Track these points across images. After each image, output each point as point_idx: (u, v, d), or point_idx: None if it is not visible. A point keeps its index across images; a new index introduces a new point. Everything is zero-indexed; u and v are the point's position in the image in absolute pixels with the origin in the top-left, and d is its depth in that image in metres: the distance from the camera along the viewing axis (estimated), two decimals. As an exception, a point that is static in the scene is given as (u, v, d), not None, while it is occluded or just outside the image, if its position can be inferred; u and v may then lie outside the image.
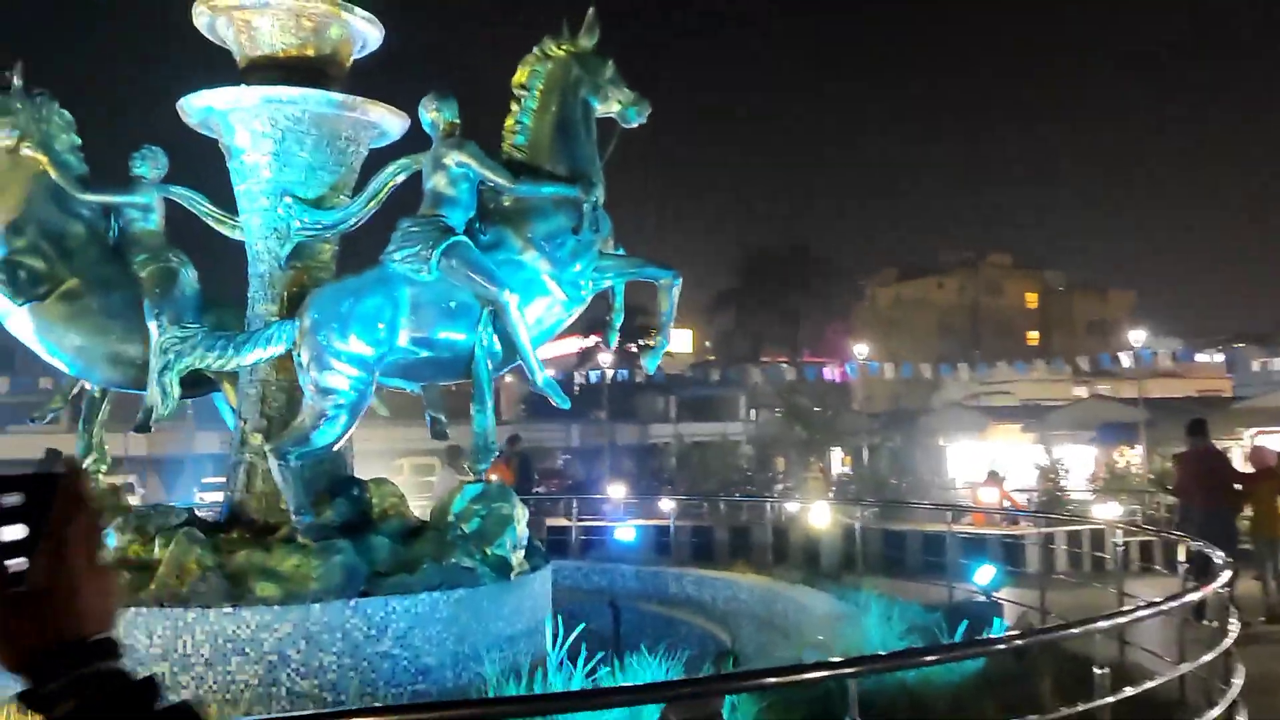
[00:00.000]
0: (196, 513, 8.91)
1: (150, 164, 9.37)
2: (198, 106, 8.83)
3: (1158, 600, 6.27)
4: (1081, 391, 43.23)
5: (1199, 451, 12.43)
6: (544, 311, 8.33)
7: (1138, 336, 31.23)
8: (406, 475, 31.43)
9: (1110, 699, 5.10)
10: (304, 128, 8.69)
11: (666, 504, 17.79)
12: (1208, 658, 6.00)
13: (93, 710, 1.11)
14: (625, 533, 15.75)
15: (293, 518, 7.81)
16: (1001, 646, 5.41)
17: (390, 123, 9.09)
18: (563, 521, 18.18)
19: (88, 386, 9.75)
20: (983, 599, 9.95)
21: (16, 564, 1.11)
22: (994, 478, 20.79)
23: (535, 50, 8.51)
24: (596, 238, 8.35)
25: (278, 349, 8.09)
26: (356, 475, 8.94)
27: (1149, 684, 5.72)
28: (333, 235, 8.96)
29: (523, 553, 8.24)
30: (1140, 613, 5.76)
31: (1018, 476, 24.56)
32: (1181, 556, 10.33)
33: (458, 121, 8.41)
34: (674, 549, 15.50)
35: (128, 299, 9.06)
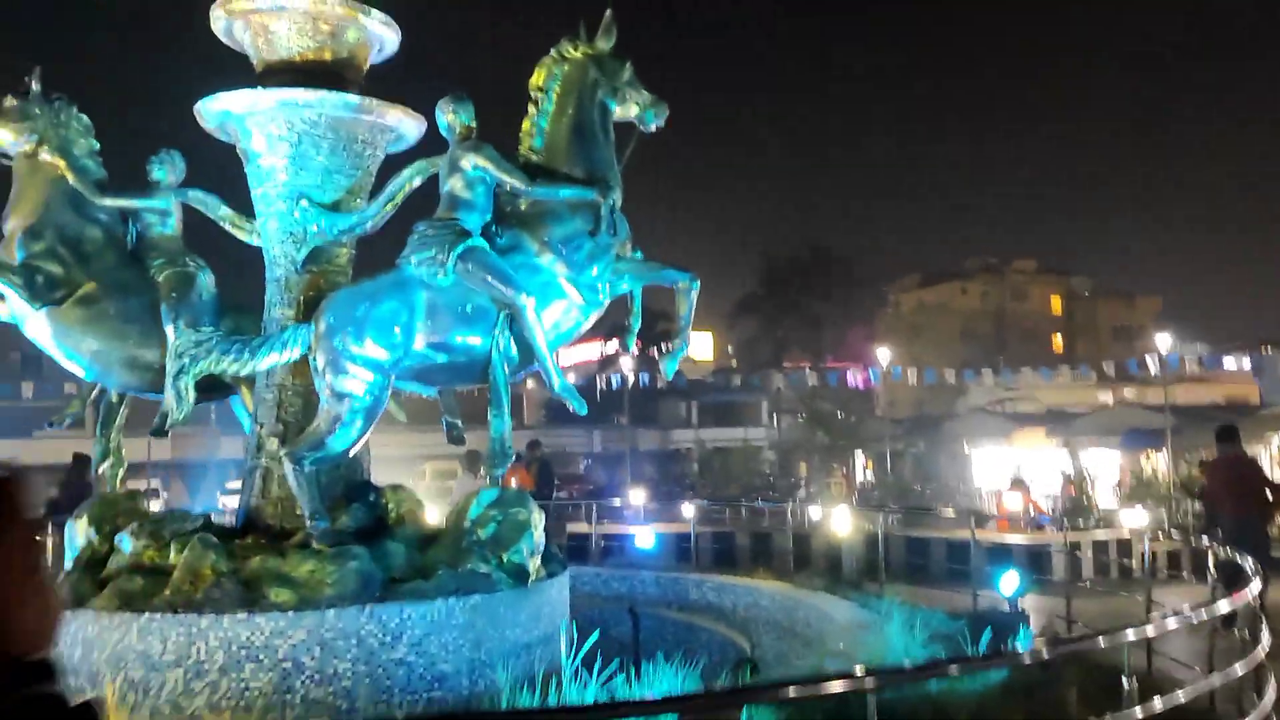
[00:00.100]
0: (213, 518, 8.86)
1: (168, 168, 9.36)
2: (214, 110, 8.81)
3: (1187, 610, 6.12)
4: (1107, 397, 42.88)
5: (1229, 458, 12.22)
6: (561, 315, 8.25)
7: (1164, 341, 30.89)
8: (429, 480, 31.47)
9: (1138, 710, 4.97)
10: (320, 131, 8.66)
11: (687, 510, 17.69)
12: (1239, 669, 5.85)
13: None
14: (645, 539, 15.67)
15: (308, 523, 7.76)
16: (1026, 659, 5.27)
17: (407, 126, 9.06)
18: (583, 527, 18.12)
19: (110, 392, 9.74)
20: (1008, 607, 9.79)
21: None
22: (1019, 484, 20.61)
23: (552, 52, 8.45)
24: (614, 241, 8.26)
25: (293, 353, 8.04)
26: (373, 480, 8.90)
27: (1178, 695, 5.58)
28: (349, 239, 8.92)
29: (540, 559, 8.15)
30: (1169, 622, 5.61)
31: (1043, 483, 24.34)
32: (1210, 564, 10.15)
33: (474, 125, 8.35)
34: (695, 555, 15.40)
35: (145, 303, 9.05)
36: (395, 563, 7.75)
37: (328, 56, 8.95)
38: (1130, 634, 5.25)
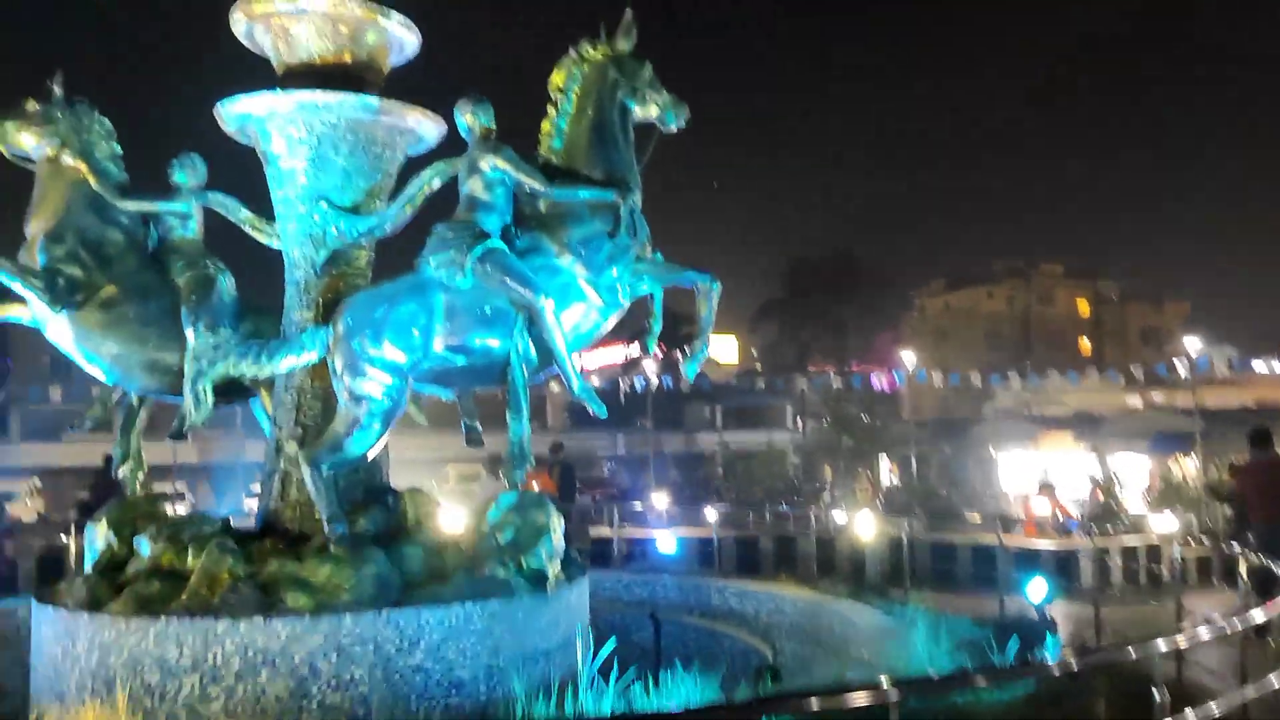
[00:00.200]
0: (233, 521, 8.83)
1: (189, 171, 9.36)
2: (235, 113, 8.80)
3: (1219, 619, 5.98)
4: (1135, 401, 42.45)
5: (1262, 463, 11.99)
6: (580, 317, 8.18)
7: (1193, 344, 30.55)
8: (452, 483, 31.50)
9: (1169, 722, 4.84)
10: (340, 133, 8.63)
11: (710, 513, 17.60)
12: (1275, 681, 5.69)
13: None
14: (667, 543, 15.58)
15: (325, 527, 7.71)
16: (1055, 670, 5.14)
17: (427, 128, 9.01)
18: (606, 531, 18.06)
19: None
20: (1035, 615, 9.64)
21: None
22: (1046, 488, 20.39)
23: (572, 53, 8.39)
24: (633, 242, 8.19)
25: (311, 356, 8.00)
26: (393, 484, 8.86)
27: (1211, 707, 5.44)
28: (369, 241, 8.89)
29: (559, 564, 8.07)
30: (1201, 632, 5.47)
31: (1070, 487, 24.09)
32: (1242, 571, 9.96)
33: (493, 126, 8.29)
34: (718, 559, 15.31)
35: (165, 306, 9.05)
36: (413, 567, 7.68)
37: (347, 59, 8.93)
38: (1161, 644, 5.12)
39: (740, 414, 52.05)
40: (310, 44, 8.87)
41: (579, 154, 8.25)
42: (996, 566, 12.50)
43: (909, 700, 4.52)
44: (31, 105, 9.17)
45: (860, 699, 4.29)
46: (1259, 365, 40.89)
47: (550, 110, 8.40)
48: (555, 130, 8.35)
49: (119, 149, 9.51)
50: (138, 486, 9.52)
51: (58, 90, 9.21)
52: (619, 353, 50.82)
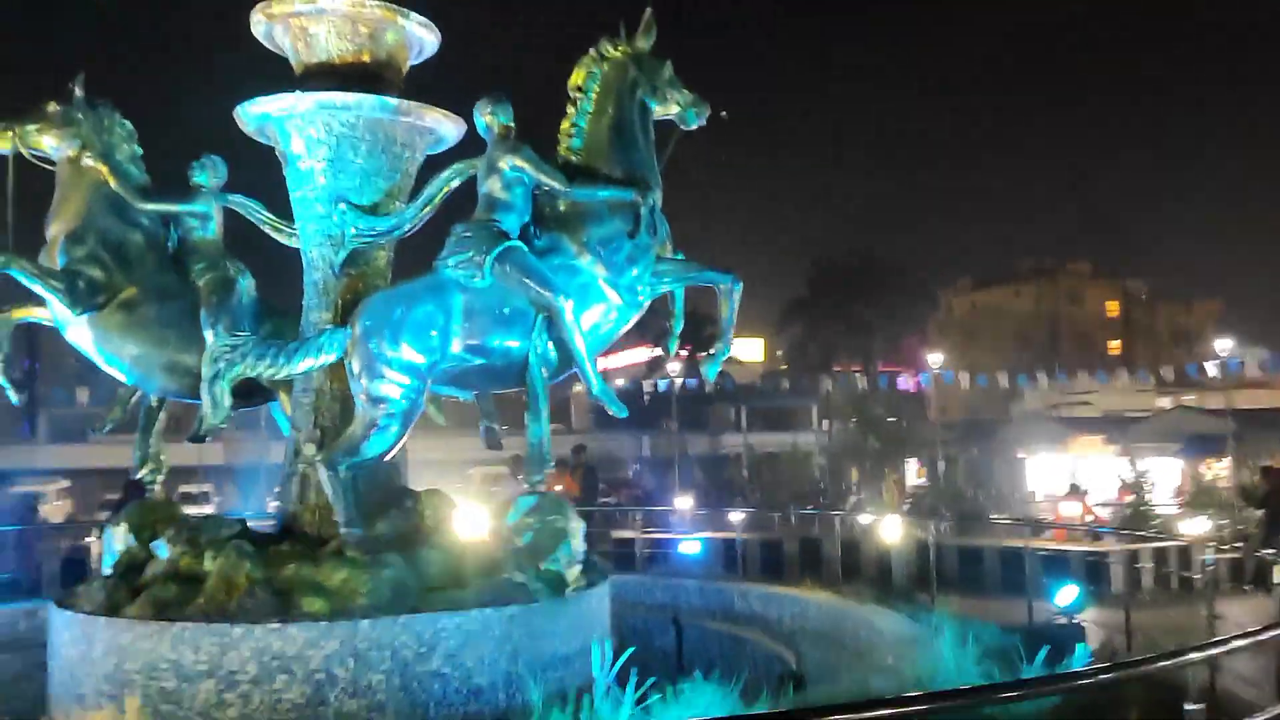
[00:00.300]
0: (251, 524, 8.79)
1: (209, 173, 9.32)
2: (254, 114, 8.77)
3: (1255, 629, 5.81)
4: (1166, 402, 42.03)
5: (1295, 465, 11.77)
6: (600, 317, 8.08)
7: (1224, 345, 30.15)
8: (478, 485, 31.50)
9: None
10: (359, 133, 8.58)
11: (735, 516, 17.45)
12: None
13: None
14: (690, 546, 15.45)
15: (342, 530, 7.64)
16: (1086, 681, 5.00)
17: (446, 128, 8.95)
18: (629, 533, 17.95)
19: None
20: (1064, 621, 9.46)
21: None
22: (1076, 491, 20.12)
23: (591, 51, 8.29)
24: (653, 242, 8.08)
25: (329, 357, 7.93)
26: (412, 486, 8.78)
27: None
28: (388, 242, 8.82)
29: (579, 568, 7.96)
30: (1235, 643, 5.31)
31: (1101, 490, 23.80)
32: (1276, 576, 9.76)
33: (513, 124, 8.21)
34: (741, 563, 15.16)
35: (185, 308, 9.01)
36: (431, 571, 7.60)
37: (367, 59, 8.88)
38: (1195, 655, 4.96)
39: (766, 415, 51.90)
40: (329, 44, 8.83)
41: (599, 153, 8.15)
42: (1025, 571, 12.26)
43: (938, 715, 4.39)
44: (52, 107, 9.15)
45: (887, 712, 4.16)
46: (1292, 366, 40.33)
47: (570, 109, 8.31)
48: (575, 129, 8.26)
49: (139, 150, 9.50)
50: (158, 489, 9.49)
51: (79, 92, 9.20)
52: (643, 353, 50.69)
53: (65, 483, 35.98)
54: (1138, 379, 38.84)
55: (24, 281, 8.68)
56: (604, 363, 8.61)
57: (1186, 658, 4.94)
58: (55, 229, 9.05)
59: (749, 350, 66.07)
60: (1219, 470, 28.66)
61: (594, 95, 8.25)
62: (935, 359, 37.33)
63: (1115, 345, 71.27)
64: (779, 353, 68.01)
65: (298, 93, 8.61)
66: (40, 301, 8.96)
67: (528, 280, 7.71)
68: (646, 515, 18.21)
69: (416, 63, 9.39)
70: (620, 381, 42.32)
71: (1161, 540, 15.87)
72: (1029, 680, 6.22)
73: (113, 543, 8.42)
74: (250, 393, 9.04)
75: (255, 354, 7.91)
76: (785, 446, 39.75)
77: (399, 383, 7.64)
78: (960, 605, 10.68)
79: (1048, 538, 16.83)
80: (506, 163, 7.95)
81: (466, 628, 7.08)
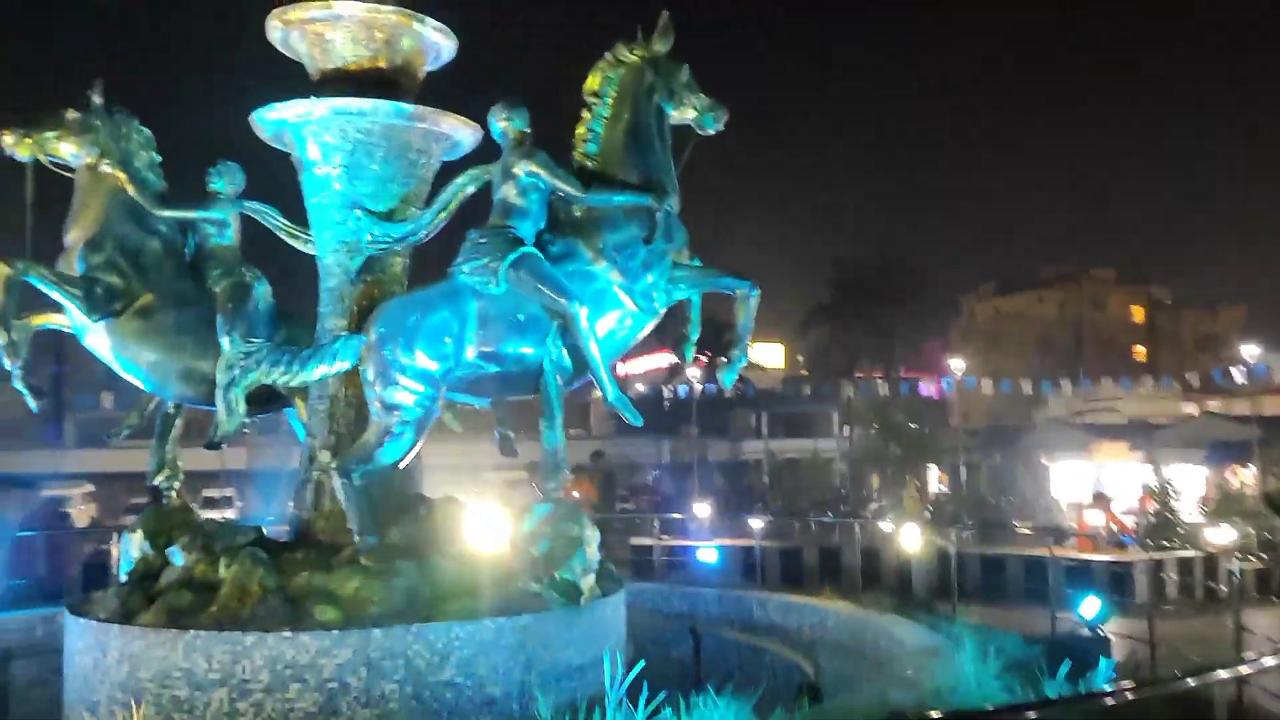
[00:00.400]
0: (267, 530, 8.75)
1: (226, 180, 9.32)
2: (270, 120, 8.75)
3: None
4: (1191, 409, 41.55)
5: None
6: (615, 324, 8.02)
7: (1251, 351, 29.82)
8: (497, 491, 31.46)
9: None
10: (374, 140, 8.54)
11: (754, 523, 17.34)
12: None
13: None
14: (707, 554, 15.36)
15: (356, 538, 7.59)
16: (1110, 701, 4.88)
17: (462, 134, 8.91)
18: (647, 540, 17.87)
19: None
20: (1087, 633, 9.31)
21: None
22: (1101, 499, 19.91)
23: (608, 56, 8.23)
24: (669, 248, 8.01)
25: (343, 364, 7.89)
26: (428, 494, 8.72)
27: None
28: (404, 248, 8.77)
29: (593, 577, 7.88)
30: (1265, 661, 5.19)
31: (1125, 497, 23.53)
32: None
33: (528, 130, 8.15)
34: (760, 571, 15.06)
35: (201, 314, 9.00)
36: (444, 580, 7.54)
37: (382, 64, 8.85)
38: (1223, 673, 4.84)
39: (787, 421, 51.64)
40: (346, 50, 8.80)
41: (615, 158, 8.09)
42: (1048, 580, 12.11)
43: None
44: (71, 114, 9.16)
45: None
46: (1319, 372, 39.84)
47: (585, 114, 8.25)
48: (590, 134, 8.20)
49: (158, 157, 9.51)
50: (174, 495, 9.47)
51: (97, 99, 9.21)
52: (664, 359, 50.57)
53: (90, 487, 36.14)
54: (1162, 385, 38.51)
55: (42, 288, 8.70)
56: (624, 368, 8.55)
57: (1215, 675, 4.82)
58: (73, 236, 9.06)
59: (769, 356, 65.79)
60: (1245, 477, 28.32)
61: (610, 100, 8.18)
62: (958, 365, 37.06)
63: (1140, 351, 70.63)
64: (800, 358, 67.69)
65: (313, 99, 8.58)
66: (58, 308, 8.96)
67: (543, 286, 7.65)
68: (665, 522, 18.11)
69: (434, 68, 9.35)
70: (640, 387, 42.23)
71: (1187, 549, 15.69)
72: (1051, 701, 6.09)
73: (129, 549, 8.41)
74: (267, 399, 9.03)
75: (270, 360, 7.88)
76: (806, 452, 39.53)
77: (413, 390, 7.60)
78: (982, 615, 10.57)
79: (1071, 545, 16.65)
80: (522, 168, 7.90)
81: (480, 637, 7.02)
